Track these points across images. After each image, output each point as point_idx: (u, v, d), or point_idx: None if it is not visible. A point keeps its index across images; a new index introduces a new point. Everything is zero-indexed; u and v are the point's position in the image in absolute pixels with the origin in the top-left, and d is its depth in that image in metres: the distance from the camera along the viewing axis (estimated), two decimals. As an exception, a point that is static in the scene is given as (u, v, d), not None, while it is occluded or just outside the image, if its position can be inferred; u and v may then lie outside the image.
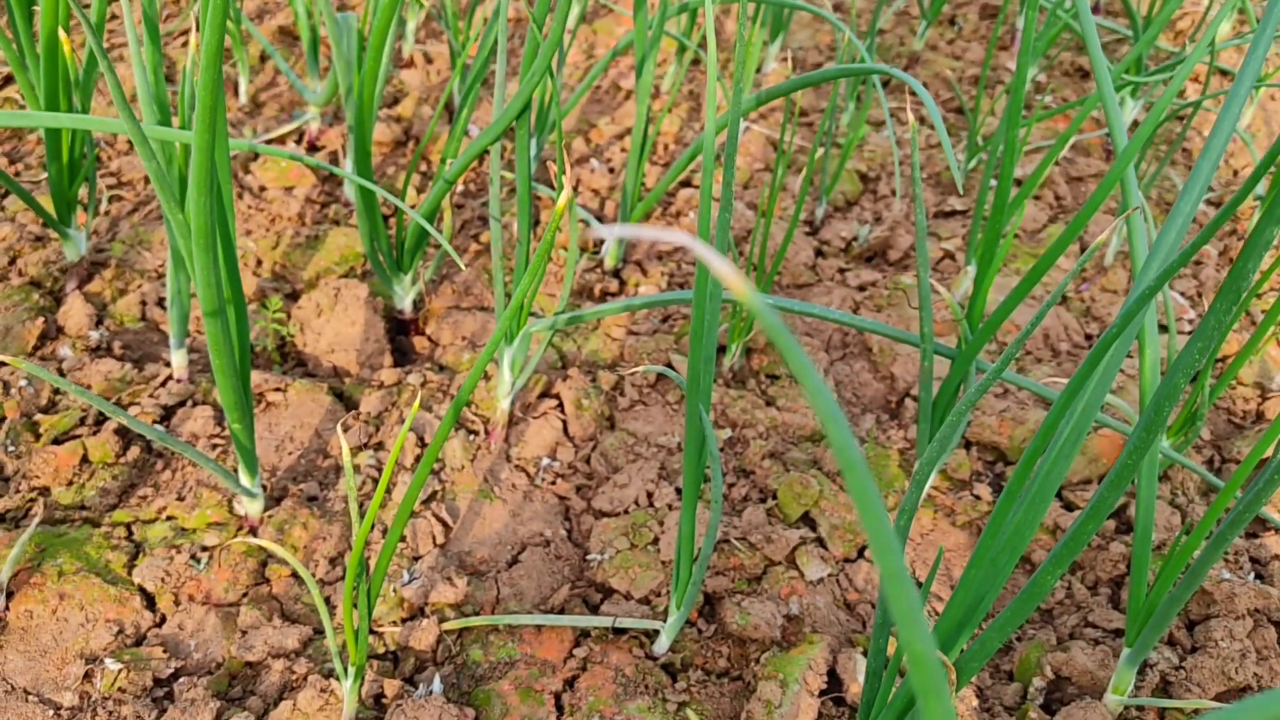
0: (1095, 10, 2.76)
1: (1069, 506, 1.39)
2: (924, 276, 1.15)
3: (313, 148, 1.95)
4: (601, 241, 1.74)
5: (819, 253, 1.84)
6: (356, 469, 1.33)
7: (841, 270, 1.78)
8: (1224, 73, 2.42)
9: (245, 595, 1.19)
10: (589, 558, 1.26)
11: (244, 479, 1.21)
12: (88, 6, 1.98)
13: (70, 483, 1.28)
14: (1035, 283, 1.09)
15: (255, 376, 1.42)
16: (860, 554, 1.31)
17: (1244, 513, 0.98)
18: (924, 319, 1.16)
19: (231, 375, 1.08)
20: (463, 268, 1.53)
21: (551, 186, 1.92)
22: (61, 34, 1.23)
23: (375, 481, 1.33)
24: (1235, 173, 2.25)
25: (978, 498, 1.40)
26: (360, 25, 1.68)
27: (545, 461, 1.38)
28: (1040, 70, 2.41)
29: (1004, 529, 0.88)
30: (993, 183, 2.10)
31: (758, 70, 2.37)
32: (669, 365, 1.52)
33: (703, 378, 1.01)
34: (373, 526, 1.28)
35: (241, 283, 1.17)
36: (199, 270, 0.99)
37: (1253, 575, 1.27)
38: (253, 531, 1.24)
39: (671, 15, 1.68)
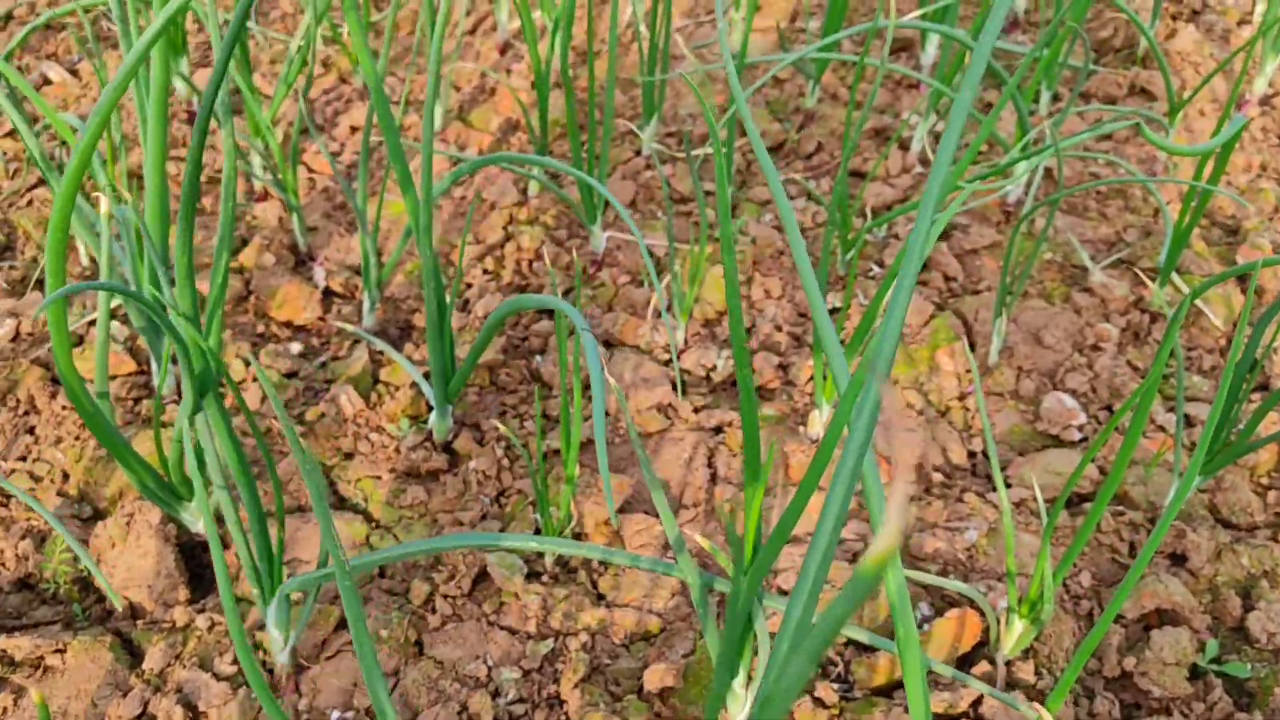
0: (1014, 26, 2.57)
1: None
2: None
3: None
4: (431, 408, 1.61)
5: (677, 387, 1.69)
6: (125, 751, 1.22)
7: (697, 410, 1.63)
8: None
9: None
10: (367, 843, 1.14)
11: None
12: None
13: None
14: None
15: (27, 642, 1.31)
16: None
17: None
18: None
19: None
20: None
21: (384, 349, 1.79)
22: None
23: (145, 765, 1.22)
24: (1155, 211, 2.05)
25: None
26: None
27: (337, 715, 1.25)
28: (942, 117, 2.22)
29: None
30: (876, 270, 1.93)
31: (638, 153, 2.21)
32: (484, 569, 1.39)
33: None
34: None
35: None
36: None
37: None
38: None
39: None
